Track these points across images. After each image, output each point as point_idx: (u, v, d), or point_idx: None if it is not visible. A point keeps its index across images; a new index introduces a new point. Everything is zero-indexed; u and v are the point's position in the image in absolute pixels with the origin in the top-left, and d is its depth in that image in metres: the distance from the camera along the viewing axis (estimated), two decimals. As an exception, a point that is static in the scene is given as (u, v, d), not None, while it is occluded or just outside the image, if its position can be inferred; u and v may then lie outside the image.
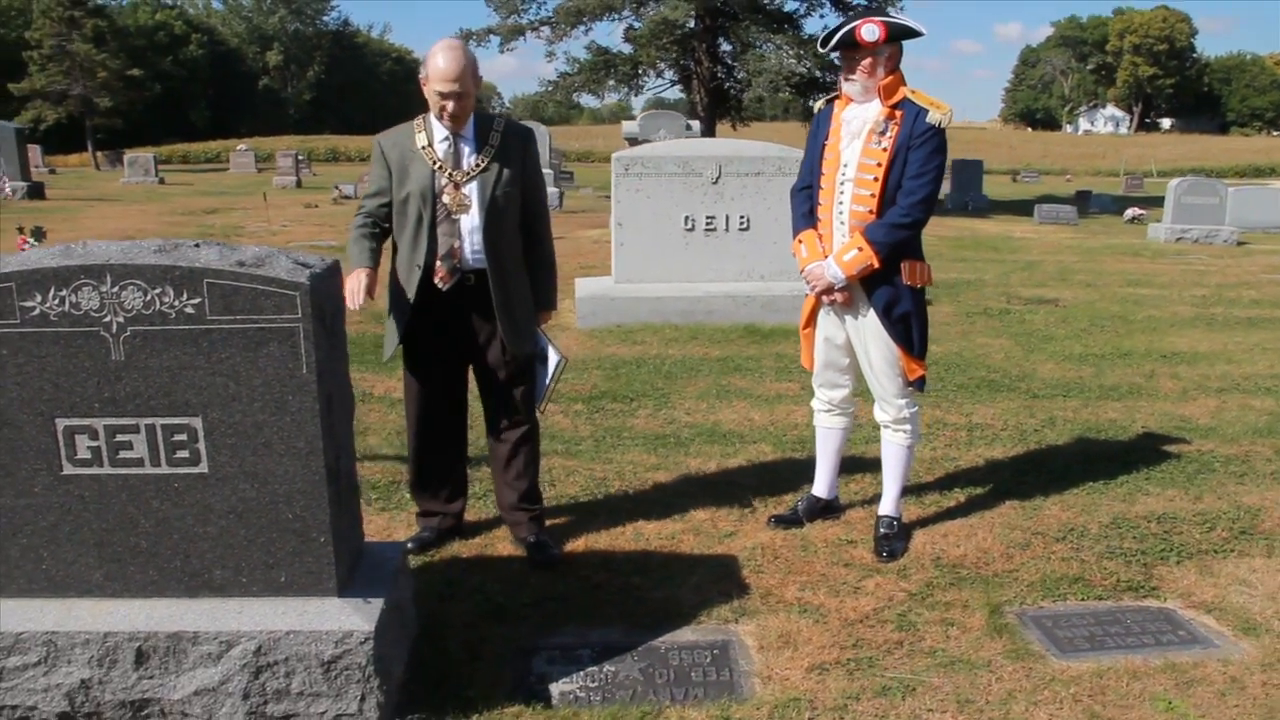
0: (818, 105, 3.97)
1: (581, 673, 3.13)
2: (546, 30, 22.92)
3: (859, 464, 4.77)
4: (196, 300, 2.55)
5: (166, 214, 18.78)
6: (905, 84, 3.72)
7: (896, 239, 3.62)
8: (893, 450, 3.95)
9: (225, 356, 2.58)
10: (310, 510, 2.68)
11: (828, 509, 4.21)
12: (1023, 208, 21.81)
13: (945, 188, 26.43)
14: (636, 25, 21.76)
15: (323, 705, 2.70)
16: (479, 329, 3.69)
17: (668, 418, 5.77)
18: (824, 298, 3.83)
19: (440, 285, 3.59)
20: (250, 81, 77.43)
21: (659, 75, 23.28)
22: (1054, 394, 6.24)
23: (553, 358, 3.85)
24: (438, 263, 3.58)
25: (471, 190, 3.56)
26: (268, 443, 2.64)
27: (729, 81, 23.08)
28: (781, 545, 3.93)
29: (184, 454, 2.65)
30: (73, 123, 46.97)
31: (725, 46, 22.94)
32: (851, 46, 3.62)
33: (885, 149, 3.62)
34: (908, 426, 3.89)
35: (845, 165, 3.71)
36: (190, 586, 2.74)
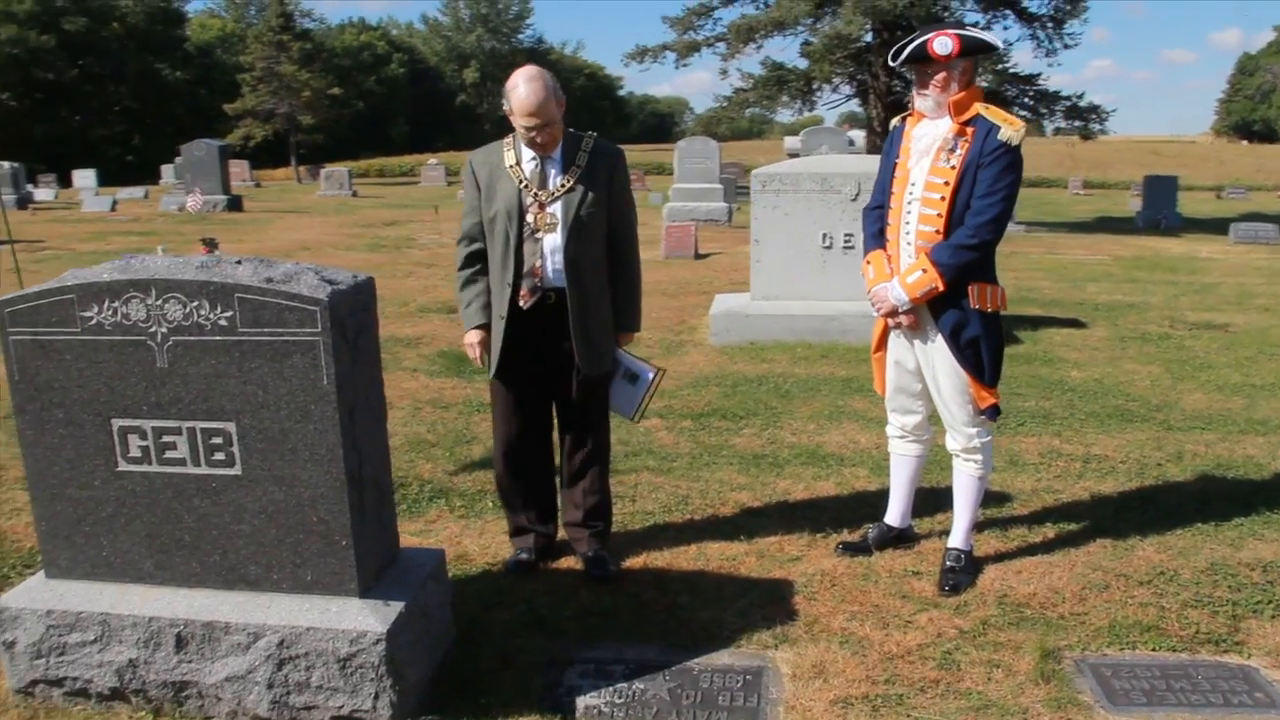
0: (894, 122, 3.87)
1: (610, 688, 3.16)
2: (722, 46, 23.01)
3: (943, 496, 4.59)
4: (229, 313, 2.72)
5: (348, 225, 19.87)
6: (981, 100, 3.58)
7: (962, 260, 3.48)
8: (963, 481, 3.79)
9: (255, 366, 2.75)
10: (333, 514, 2.82)
11: (900, 538, 4.08)
12: (1219, 226, 20.35)
13: (1135, 204, 25.02)
14: (812, 40, 21.55)
15: (339, 700, 2.83)
16: (557, 347, 3.74)
17: (771, 437, 5.71)
18: (890, 321, 3.72)
19: (521, 304, 3.68)
20: (448, 98, 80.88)
21: (834, 90, 22.98)
22: (1192, 426, 5.82)
23: (645, 372, 3.90)
24: (521, 281, 3.67)
25: (556, 210, 3.62)
26: (293, 449, 2.79)
27: (907, 97, 22.54)
28: (843, 573, 3.84)
29: (220, 456, 2.84)
30: (279, 139, 50.27)
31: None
32: (924, 60, 3.52)
33: (954, 167, 3.50)
34: (978, 457, 3.73)
35: (913, 184, 3.61)
36: (227, 580, 2.93)
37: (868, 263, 3.78)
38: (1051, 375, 7.14)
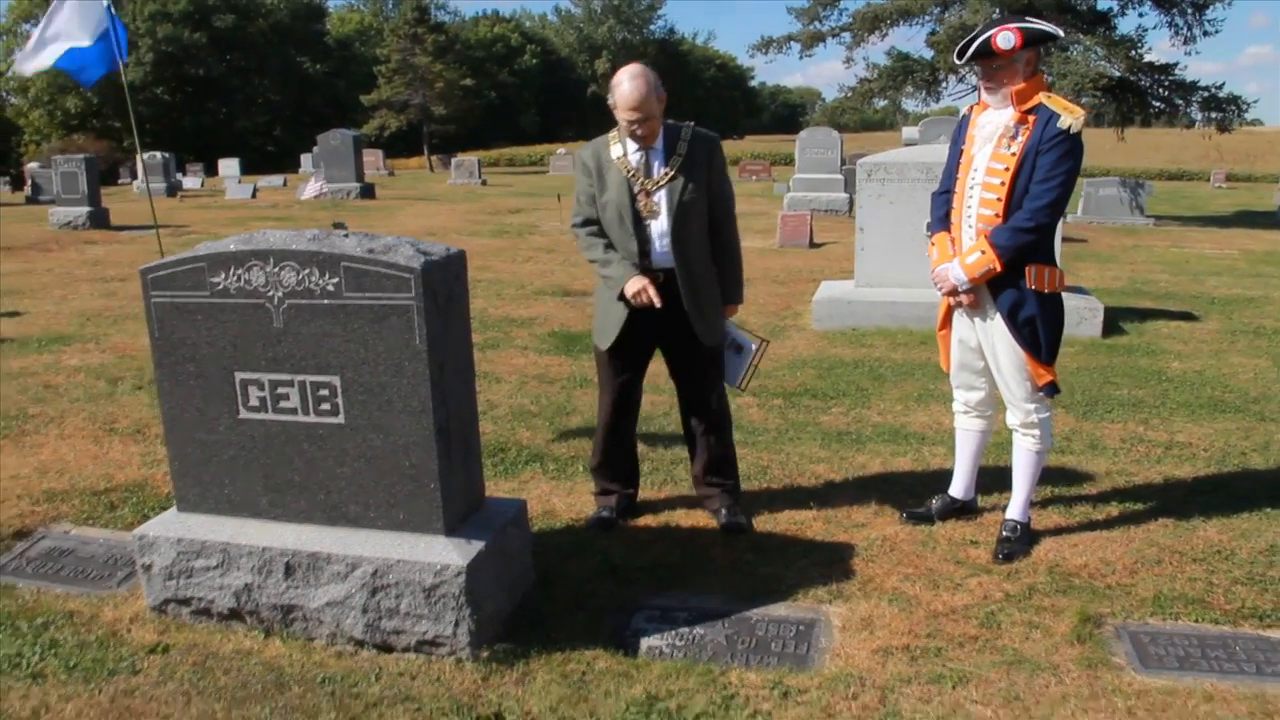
0: (962, 110, 4.02)
1: (673, 631, 3.43)
2: (847, 37, 22.93)
3: (1010, 474, 4.71)
4: (336, 280, 3.09)
5: (475, 212, 20.54)
6: (1044, 88, 3.72)
7: (1019, 243, 3.64)
8: (1022, 455, 3.94)
9: (357, 327, 3.11)
10: (423, 460, 3.16)
11: (964, 510, 4.24)
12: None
13: None
14: (938, 30, 21.27)
15: (424, 626, 3.18)
16: (671, 323, 4.02)
17: (858, 417, 5.89)
18: (951, 299, 3.89)
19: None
20: (579, 89, 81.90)
21: (960, 80, 22.62)
22: (1288, 418, 5.77)
23: (749, 344, 4.18)
24: (633, 263, 3.97)
25: (661, 197, 3.92)
26: (389, 401, 3.14)
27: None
28: (904, 539, 4.03)
29: (326, 406, 3.21)
30: (412, 129, 51.84)
31: (1034, 48, 21.94)
32: (989, 56, 3.67)
33: (1014, 153, 3.65)
34: (1036, 432, 3.88)
35: (975, 169, 3.77)
36: (330, 517, 3.31)
37: (932, 244, 3.96)
38: (1151, 366, 7.10)
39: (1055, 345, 3.79)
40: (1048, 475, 4.68)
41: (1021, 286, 3.71)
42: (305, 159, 39.26)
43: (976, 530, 4.11)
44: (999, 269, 3.67)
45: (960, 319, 3.97)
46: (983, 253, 3.69)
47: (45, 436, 5.47)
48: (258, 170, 42.91)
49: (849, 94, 24.09)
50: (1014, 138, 3.67)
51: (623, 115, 3.81)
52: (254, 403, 3.28)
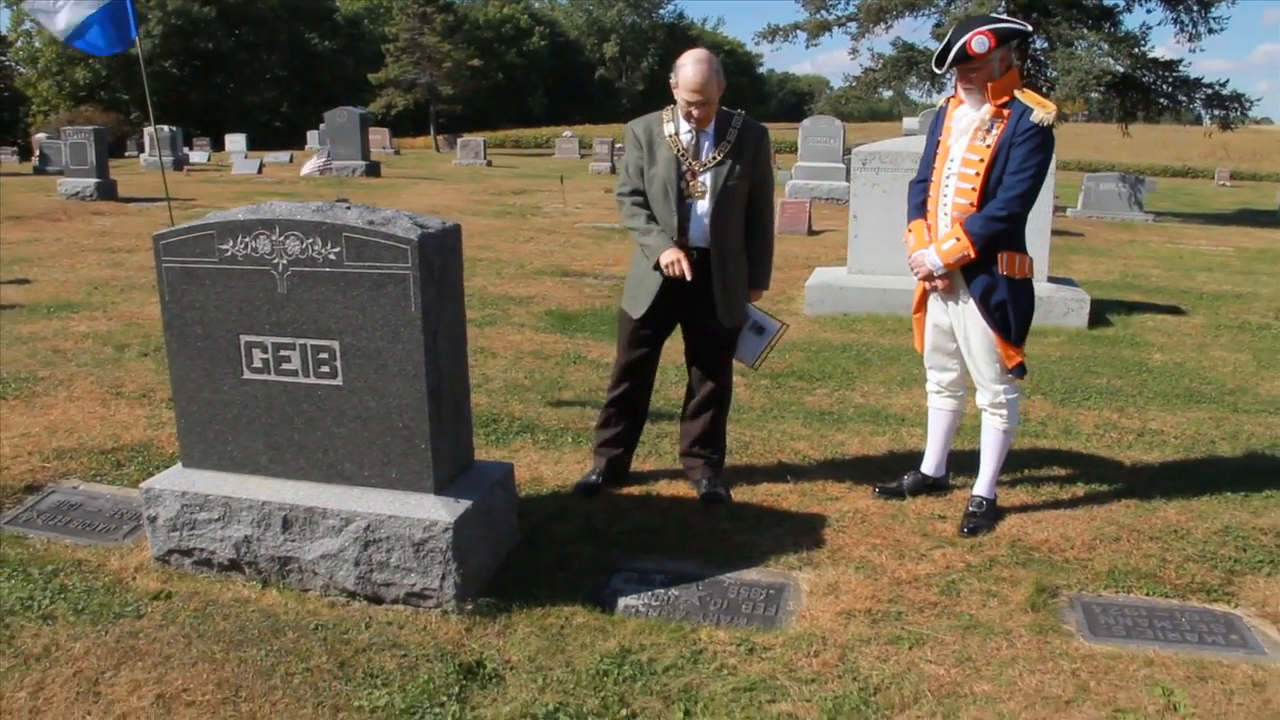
0: (939, 102, 4.18)
1: (650, 593, 3.62)
2: (853, 26, 22.99)
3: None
4: (337, 249, 3.26)
5: (479, 193, 20.70)
6: (1018, 83, 3.88)
7: (992, 231, 3.80)
8: (989, 434, 4.12)
9: (356, 294, 3.28)
10: (415, 421, 3.34)
11: (935, 487, 4.42)
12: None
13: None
14: (944, 22, 21.36)
15: (413, 579, 3.36)
16: (698, 299, 4.19)
17: (841, 398, 6.07)
18: (927, 284, 4.06)
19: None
20: (587, 72, 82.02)
21: (965, 71, 22.67)
22: (1261, 410, 5.94)
23: (771, 326, 4.37)
24: (672, 238, 4.13)
25: (706, 179, 4.10)
26: (385, 365, 3.32)
27: (1041, 80, 22.15)
28: (875, 512, 4.21)
29: (326, 369, 3.39)
30: (419, 108, 51.94)
31: (1040, 44, 22.03)
32: (965, 60, 3.83)
33: (989, 145, 3.82)
34: (1004, 412, 4.05)
35: (951, 160, 3.94)
36: (327, 474, 3.49)
37: (909, 231, 4.13)
38: (1133, 357, 7.28)
39: (1025, 328, 3.96)
40: (1019, 457, 4.88)
41: (994, 272, 3.88)
42: (312, 136, 39.40)
43: (945, 506, 4.29)
44: (973, 255, 3.84)
45: (934, 303, 4.14)
46: (957, 239, 3.86)
47: (54, 398, 5.65)
48: (264, 146, 43.08)
49: (854, 84, 24.19)
50: (989, 131, 3.83)
51: (683, 95, 3.98)
52: (257, 364, 3.46)
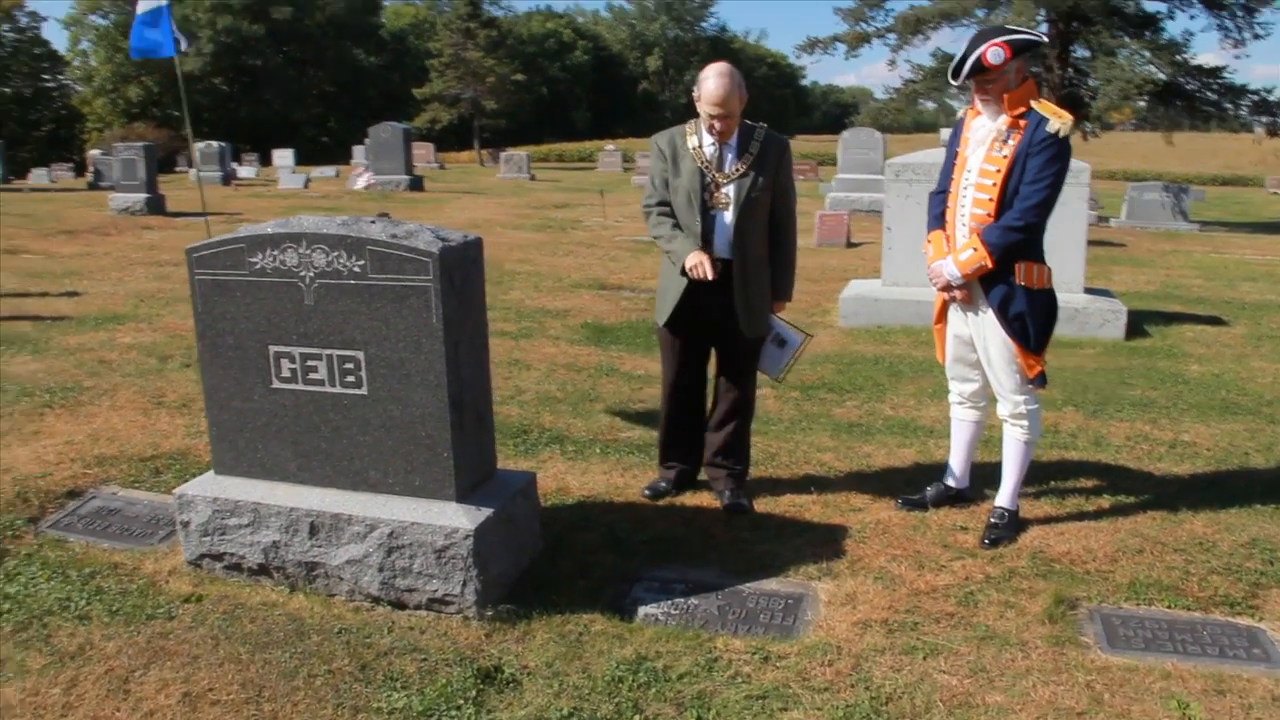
0: (959, 113, 4.20)
1: (669, 601, 3.66)
2: (892, 38, 22.96)
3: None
4: (362, 262, 3.35)
5: (521, 207, 20.87)
6: (1035, 94, 3.89)
7: (1009, 241, 3.82)
8: (1011, 445, 4.12)
9: (380, 306, 3.37)
10: (438, 430, 3.42)
11: (959, 498, 4.42)
12: None
13: None
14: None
15: (434, 585, 3.43)
16: (721, 309, 4.26)
17: (870, 410, 6.07)
18: (946, 294, 4.08)
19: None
20: (630, 85, 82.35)
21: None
22: (1298, 421, 5.86)
23: (794, 338, 4.42)
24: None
25: (729, 191, 4.17)
26: (408, 374, 3.40)
27: (1082, 89, 21.96)
28: (897, 524, 4.22)
29: (351, 379, 3.48)
30: (463, 123, 52.45)
31: (1082, 53, 21.85)
32: (981, 72, 3.84)
33: (1005, 156, 3.83)
34: (1025, 422, 4.05)
35: (969, 171, 3.96)
36: (353, 482, 3.57)
37: (929, 242, 4.15)
38: (1170, 368, 7.20)
39: (1044, 338, 3.96)
40: (1046, 468, 4.86)
41: (1011, 282, 3.88)
42: (358, 150, 39.90)
43: (968, 517, 4.29)
44: (990, 265, 3.85)
45: (955, 313, 4.16)
46: (975, 250, 3.87)
47: (98, 407, 5.81)
48: (311, 161, 43.69)
49: (894, 95, 24.14)
50: (1006, 141, 3.84)
51: (705, 109, 4.06)
52: (286, 374, 3.55)
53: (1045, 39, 3.84)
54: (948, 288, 4.03)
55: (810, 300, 10.09)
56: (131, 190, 17.63)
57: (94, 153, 34.69)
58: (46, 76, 60.96)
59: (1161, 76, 19.82)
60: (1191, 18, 22.05)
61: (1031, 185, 3.78)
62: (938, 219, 4.14)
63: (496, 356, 7.34)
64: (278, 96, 62.68)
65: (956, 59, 3.91)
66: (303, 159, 42.57)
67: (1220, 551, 3.96)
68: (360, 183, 24.75)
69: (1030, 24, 19.84)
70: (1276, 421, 5.87)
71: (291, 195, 23.78)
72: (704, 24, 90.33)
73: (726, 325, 4.27)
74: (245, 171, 33.75)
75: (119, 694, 2.99)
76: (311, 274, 3.42)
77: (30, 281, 10.49)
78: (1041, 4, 19.80)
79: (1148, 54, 19.74)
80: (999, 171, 3.84)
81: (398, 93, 62.36)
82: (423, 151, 37.51)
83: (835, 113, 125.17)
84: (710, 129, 4.10)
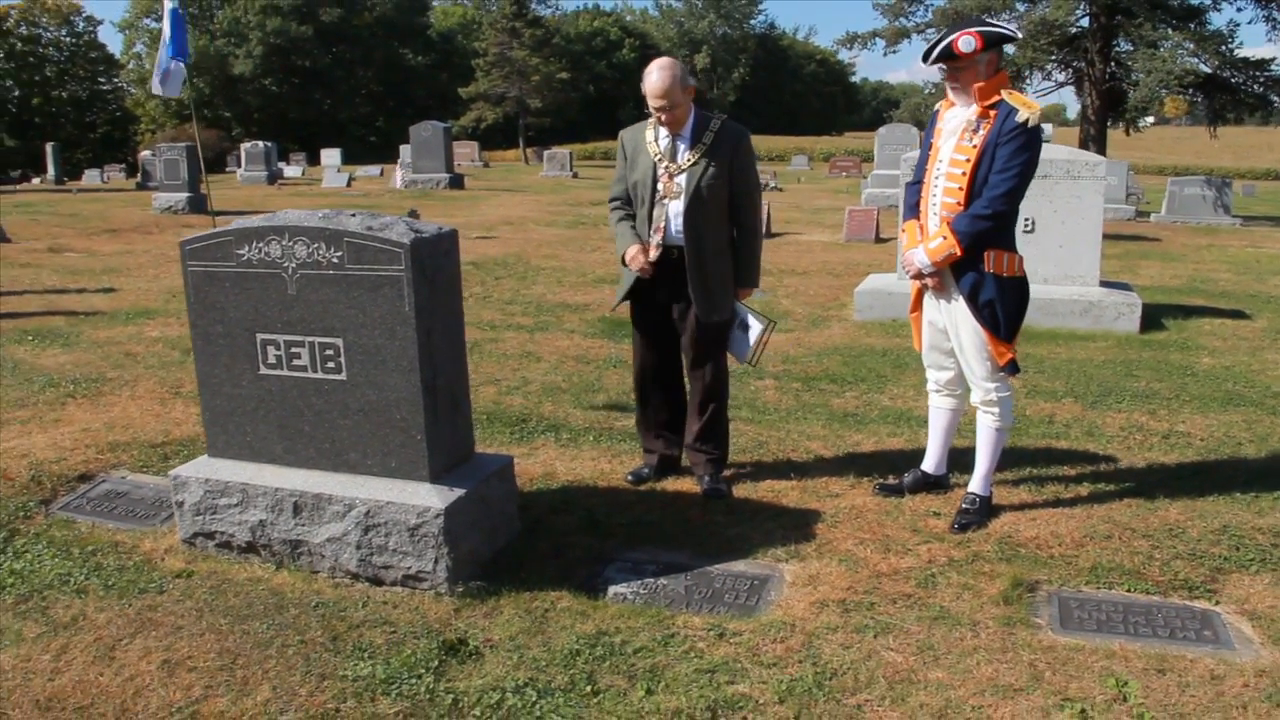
0: (936, 106, 4.28)
1: (639, 581, 3.78)
2: (931, 33, 22.84)
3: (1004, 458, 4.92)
4: (340, 253, 3.51)
5: (557, 204, 21.08)
6: (1006, 85, 3.96)
7: (978, 229, 3.89)
8: (983, 431, 4.19)
9: (357, 295, 3.52)
10: (411, 414, 3.57)
11: (936, 485, 4.49)
12: None
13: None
14: (1022, 28, 21.11)
15: (409, 561, 3.58)
16: (679, 296, 4.42)
17: (868, 400, 6.15)
18: (918, 282, 4.16)
19: (650, 257, 4.37)
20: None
21: (1046, 77, 22.39)
22: (1299, 413, 5.84)
23: (755, 324, 4.52)
24: (650, 238, 4.36)
25: (682, 180, 4.30)
26: (383, 360, 3.55)
27: (1126, 82, 21.70)
28: (872, 509, 4.31)
29: (332, 365, 3.64)
30: (509, 122, 52.90)
31: (1125, 46, 21.59)
32: (951, 58, 3.92)
33: (975, 146, 3.91)
34: (996, 409, 4.12)
35: (940, 161, 4.03)
36: (334, 463, 3.73)
37: (903, 231, 4.23)
38: (1180, 361, 7.18)
39: (1015, 325, 4.02)
40: (1032, 456, 4.92)
41: (981, 270, 3.95)
42: (405, 150, 40.43)
43: (943, 503, 4.36)
44: (959, 253, 3.93)
45: (929, 302, 4.23)
46: (944, 238, 3.95)
47: (118, 397, 6.05)
48: (359, 160, 44.32)
49: (934, 90, 24.02)
50: (976, 131, 3.92)
51: (651, 102, 4.21)
52: (272, 360, 3.72)
53: (1019, 34, 3.91)
54: (919, 275, 4.11)
55: (829, 294, 10.16)
56: (174, 190, 18.09)
57: (144, 154, 35.48)
58: (102, 80, 62.49)
59: (1205, 69, 19.53)
60: (1238, 9, 21.71)
61: (1000, 174, 3.85)
62: (912, 209, 4.22)
63: (510, 349, 7.53)
64: (326, 96, 63.61)
65: (931, 44, 3.99)
66: (350, 158, 43.20)
67: (1189, 538, 4.00)
68: (398, 181, 25.11)
69: (1066, 16, 19.68)
70: (1277, 413, 5.85)
71: (333, 194, 24.21)
72: (752, 21, 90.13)
73: (686, 311, 4.40)
74: (291, 171, 34.36)
75: (104, 660, 3.17)
76: (294, 265, 3.58)
77: (70, 278, 10.85)
78: (1081, -4, 19.63)
79: (1191, 45, 19.46)
80: (968, 161, 3.91)
81: (445, 92, 63.04)
82: (467, 150, 37.93)
83: (884, 109, 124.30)
84: (659, 121, 4.24)
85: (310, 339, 3.64)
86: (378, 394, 3.60)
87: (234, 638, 3.29)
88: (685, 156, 4.29)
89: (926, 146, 4.18)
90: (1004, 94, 3.92)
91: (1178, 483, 4.62)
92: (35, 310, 8.99)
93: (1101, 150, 21.37)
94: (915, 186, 4.23)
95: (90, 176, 35.31)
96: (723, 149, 4.28)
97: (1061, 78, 22.82)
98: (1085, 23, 21.23)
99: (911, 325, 4.42)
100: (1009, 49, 22.49)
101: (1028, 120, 3.83)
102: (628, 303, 4.58)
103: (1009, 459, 4.86)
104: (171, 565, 3.83)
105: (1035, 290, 8.69)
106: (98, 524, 4.26)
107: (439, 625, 3.37)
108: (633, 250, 4.33)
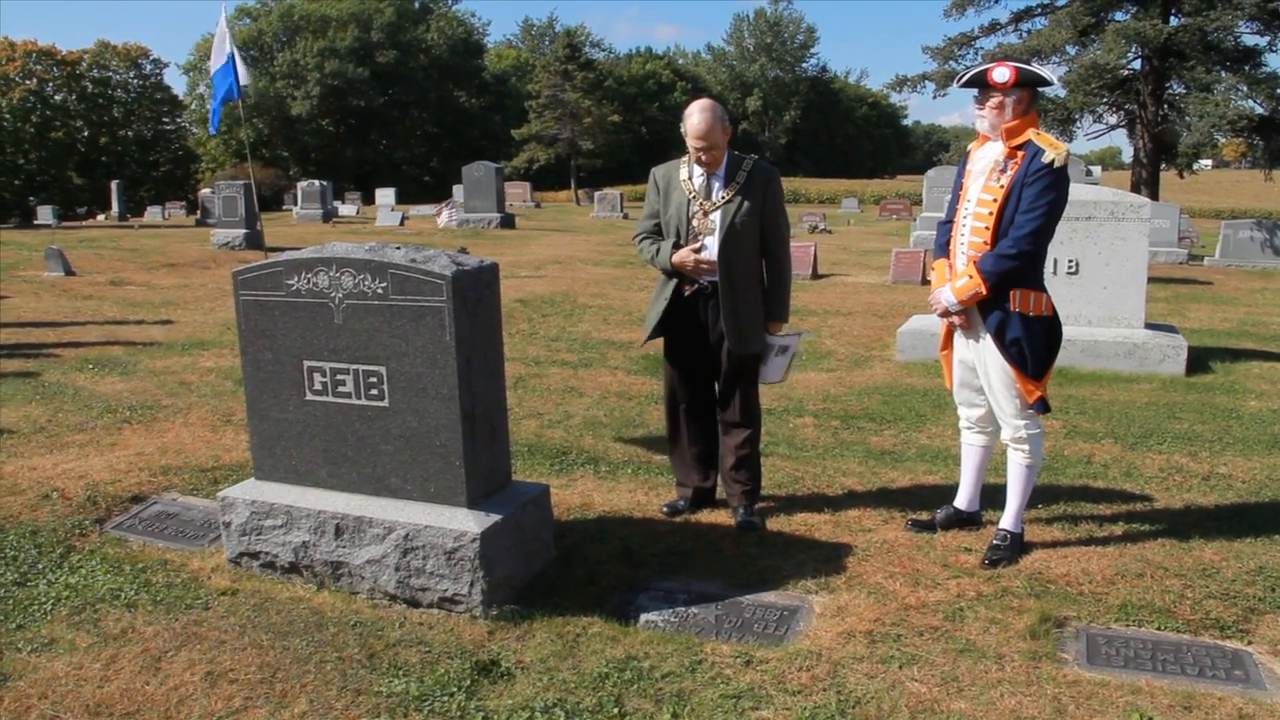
0: (968, 147, 4.35)
1: (670, 610, 3.84)
2: (980, 75, 22.90)
3: (1038, 494, 4.93)
4: (384, 284, 3.65)
5: (606, 244, 21.32)
6: (1035, 127, 4.03)
7: (1003, 269, 3.94)
8: (1014, 468, 4.21)
9: (400, 324, 3.66)
10: (451, 441, 3.68)
11: (969, 521, 4.51)
12: None
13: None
14: (1070, 71, 21.10)
15: (445, 584, 3.68)
16: (713, 329, 4.54)
17: (906, 439, 6.17)
18: (947, 320, 4.21)
19: (684, 292, 4.54)
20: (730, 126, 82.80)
21: (1097, 120, 22.31)
22: (1342, 458, 5.77)
23: (792, 343, 4.64)
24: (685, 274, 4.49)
25: (715, 218, 4.43)
26: (424, 388, 3.68)
27: (1179, 126, 21.57)
28: (903, 544, 4.34)
29: (375, 392, 3.76)
30: (560, 163, 53.55)
31: (1177, 89, 21.50)
32: (983, 85, 4.01)
33: (1002, 186, 3.98)
34: (1026, 446, 4.14)
35: (969, 201, 4.11)
36: (375, 488, 3.85)
37: (933, 270, 4.29)
38: (1226, 404, 7.12)
39: (1044, 364, 4.06)
40: (1067, 494, 4.93)
41: (1006, 309, 4.00)
42: (458, 190, 41.09)
43: (975, 540, 4.38)
44: (985, 292, 3.98)
45: (959, 340, 4.28)
46: (970, 277, 4.01)
47: (171, 423, 6.24)
48: (413, 199, 45.05)
49: (982, 133, 24.01)
50: (1003, 171, 3.99)
51: (690, 142, 4.34)
52: (318, 387, 3.86)
53: (1055, 79, 4.00)
54: (946, 314, 4.16)
55: (873, 335, 10.19)
56: (232, 226, 18.56)
57: (204, 191, 36.39)
58: (166, 120, 64.26)
59: (1260, 111, 19.37)
60: (1294, 52, 21.52)
61: (1026, 214, 3.91)
62: (942, 248, 4.28)
63: (553, 384, 7.65)
64: (382, 137, 64.88)
65: (967, 69, 4.10)
66: (405, 198, 43.95)
67: (1223, 578, 3.98)
68: (441, 220, 25.51)
69: (1117, 60, 19.64)
70: (1322, 458, 5.79)
71: (385, 232, 24.64)
72: (804, 64, 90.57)
73: (719, 345, 4.50)
74: (346, 209, 35.01)
75: (151, 670, 3.30)
76: (340, 295, 3.73)
77: (130, 310, 11.19)
78: (1134, 40, 19.59)
79: (1245, 88, 19.34)
80: (995, 201, 3.98)
81: (498, 133, 63.98)
82: (519, 190, 38.42)
83: (936, 152, 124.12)
84: (698, 160, 4.36)
85: (355, 366, 3.78)
86: (418, 421, 3.72)
87: (274, 653, 3.40)
88: (720, 194, 4.41)
89: (957, 186, 4.26)
90: (1032, 135, 3.99)
91: (1215, 524, 4.59)
92: (96, 340, 9.29)
93: (1154, 193, 21.22)
94: (946, 226, 4.30)
95: (152, 213, 36.26)
96: (755, 188, 4.40)
97: (1113, 120, 22.72)
98: (1137, 64, 21.17)
99: (942, 363, 4.47)
100: (1048, 92, 22.48)
101: (1054, 161, 3.89)
102: (660, 338, 4.67)
103: (1043, 497, 4.87)
104: (217, 583, 3.96)
105: (1079, 332, 8.76)
106: (149, 543, 4.41)
107: (472, 646, 3.46)
108: (681, 252, 4.42)
